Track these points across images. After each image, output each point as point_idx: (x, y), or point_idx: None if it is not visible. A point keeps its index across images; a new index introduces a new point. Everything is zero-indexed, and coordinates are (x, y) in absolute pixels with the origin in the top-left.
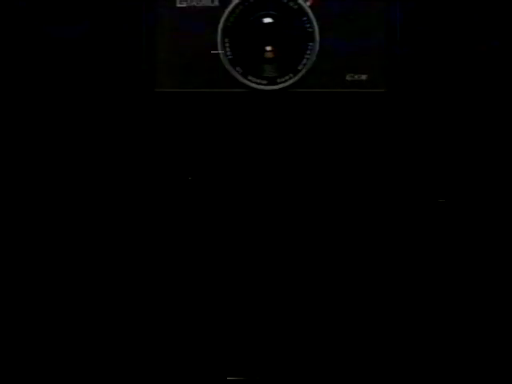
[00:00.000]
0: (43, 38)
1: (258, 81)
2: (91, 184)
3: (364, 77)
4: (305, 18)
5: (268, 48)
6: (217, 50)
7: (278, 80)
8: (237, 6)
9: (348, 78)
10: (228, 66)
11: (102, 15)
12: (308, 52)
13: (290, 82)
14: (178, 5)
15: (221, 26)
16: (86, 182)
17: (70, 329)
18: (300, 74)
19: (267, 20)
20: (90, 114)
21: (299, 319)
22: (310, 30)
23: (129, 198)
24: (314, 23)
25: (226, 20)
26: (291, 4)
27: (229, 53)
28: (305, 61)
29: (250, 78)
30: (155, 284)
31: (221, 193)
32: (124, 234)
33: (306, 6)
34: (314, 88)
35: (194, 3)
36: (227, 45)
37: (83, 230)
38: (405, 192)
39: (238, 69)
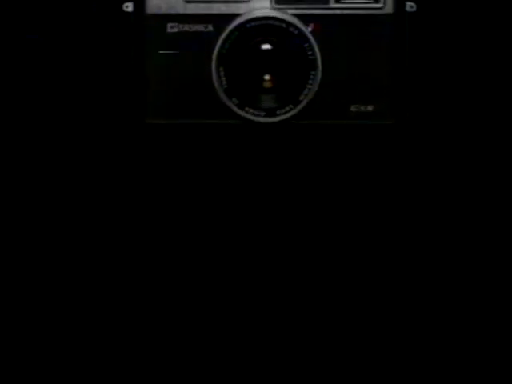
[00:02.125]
0: (35, 69)
1: (256, 112)
2: (81, 216)
3: (370, 108)
4: (306, 45)
5: (266, 77)
6: (211, 79)
7: (278, 111)
8: (232, 31)
9: (353, 108)
10: (223, 97)
11: (89, 41)
12: (310, 81)
13: (291, 113)
14: (169, 30)
15: (215, 53)
16: (77, 213)
17: (61, 327)
18: (301, 105)
19: (265, 46)
20: (74, 149)
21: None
22: (311, 57)
23: (118, 232)
24: (316, 50)
25: (221, 47)
26: (291, 29)
27: (224, 82)
28: (306, 91)
29: (246, 109)
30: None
31: (215, 231)
32: (113, 266)
33: (308, 31)
34: (317, 120)
35: (186, 28)
36: (222, 73)
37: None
38: (411, 231)
39: (233, 99)
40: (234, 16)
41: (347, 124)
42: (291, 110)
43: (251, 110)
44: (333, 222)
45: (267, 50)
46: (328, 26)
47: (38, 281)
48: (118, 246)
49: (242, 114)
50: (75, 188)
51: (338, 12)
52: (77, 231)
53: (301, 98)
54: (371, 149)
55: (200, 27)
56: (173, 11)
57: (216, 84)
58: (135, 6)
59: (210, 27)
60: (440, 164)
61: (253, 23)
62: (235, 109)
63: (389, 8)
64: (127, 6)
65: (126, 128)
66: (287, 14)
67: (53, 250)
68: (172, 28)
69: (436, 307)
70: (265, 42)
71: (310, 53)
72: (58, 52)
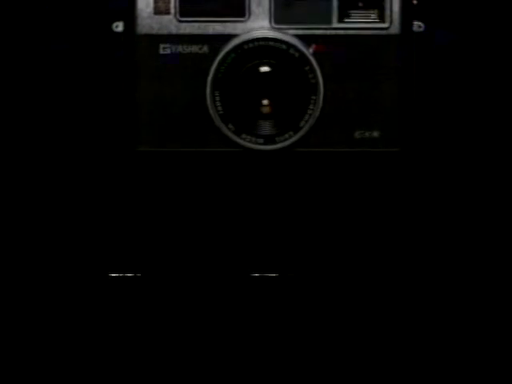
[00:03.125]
0: (21, 94)
1: (253, 139)
2: (70, 245)
3: (376, 134)
4: (307, 67)
5: (265, 102)
6: (206, 103)
7: (277, 139)
8: (229, 53)
9: (357, 135)
10: (219, 123)
11: (76, 63)
12: (311, 106)
13: (290, 140)
14: (162, 51)
15: (210, 76)
16: (66, 242)
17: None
18: (302, 132)
19: (264, 69)
20: (58, 180)
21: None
22: (313, 80)
23: (108, 261)
24: (318, 73)
25: (217, 69)
26: (291, 51)
27: (219, 107)
28: (307, 116)
29: (243, 136)
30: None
31: (210, 263)
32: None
33: (309, 53)
34: (318, 147)
35: (180, 49)
36: (218, 98)
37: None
38: (418, 262)
39: (230, 126)
40: (231, 36)
41: (351, 151)
42: (291, 137)
43: (248, 137)
44: (337, 253)
45: (266, 73)
46: (330, 48)
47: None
48: (107, 274)
49: (239, 141)
50: (65, 217)
51: (341, 32)
52: (65, 259)
53: (301, 125)
54: (376, 177)
55: (194, 48)
56: (165, 31)
57: (211, 109)
58: (125, 26)
59: (205, 48)
60: (448, 194)
61: (251, 44)
62: (231, 136)
63: (395, 28)
64: (117, 26)
65: (116, 156)
66: (287, 35)
67: (40, 282)
68: (164, 49)
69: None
70: (263, 65)
71: (311, 76)
72: (43, 76)
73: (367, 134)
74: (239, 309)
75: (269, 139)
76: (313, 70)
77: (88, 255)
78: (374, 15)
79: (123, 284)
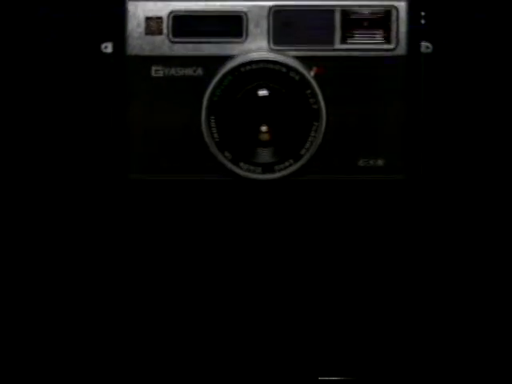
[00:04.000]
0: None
1: (251, 168)
2: (61, 276)
3: (380, 162)
4: (308, 91)
5: (263, 128)
6: (201, 129)
7: (276, 167)
8: (225, 75)
9: (361, 163)
10: (214, 150)
11: (63, 86)
12: (312, 133)
13: (291, 169)
14: (153, 74)
15: (205, 100)
16: (57, 274)
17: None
18: (303, 160)
19: (262, 93)
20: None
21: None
22: (314, 105)
23: (99, 296)
24: (320, 97)
25: (212, 93)
26: (292, 74)
27: (215, 134)
28: (308, 144)
29: (241, 164)
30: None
31: (204, 294)
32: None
33: (310, 76)
34: (320, 176)
35: (173, 72)
36: (213, 124)
37: None
38: (424, 295)
39: (226, 153)
40: (227, 58)
41: (354, 180)
42: (291, 165)
43: (246, 166)
44: (340, 286)
45: (264, 98)
46: (333, 70)
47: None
48: (99, 306)
49: (236, 169)
50: (54, 249)
51: (344, 54)
52: (56, 290)
53: (302, 152)
54: (381, 207)
55: (188, 71)
56: (157, 52)
57: (206, 136)
58: (115, 47)
59: (200, 71)
60: (455, 224)
61: (248, 67)
62: (228, 164)
63: (402, 49)
64: (106, 47)
65: (106, 185)
66: (287, 57)
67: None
68: (157, 72)
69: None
70: (262, 88)
71: (312, 101)
72: (29, 100)
73: (371, 162)
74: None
75: (268, 168)
76: (314, 95)
77: (78, 288)
78: (379, 35)
79: None
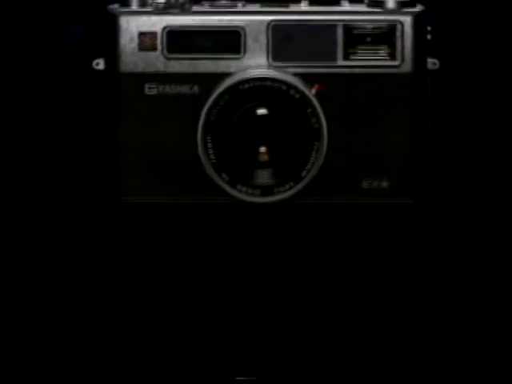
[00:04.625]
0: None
1: (250, 191)
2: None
3: (385, 183)
4: (309, 110)
5: (262, 149)
6: (196, 150)
7: (275, 190)
8: (222, 94)
9: (365, 185)
10: (211, 172)
11: (53, 103)
12: (313, 154)
13: (291, 192)
14: (147, 92)
15: (202, 119)
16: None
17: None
18: (303, 182)
19: (261, 112)
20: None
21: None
22: (315, 125)
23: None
24: (321, 116)
25: (208, 112)
26: (292, 92)
27: (212, 155)
28: (309, 165)
29: (238, 187)
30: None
31: (199, 323)
32: None
33: (311, 94)
34: (322, 198)
35: (168, 90)
36: (210, 144)
37: None
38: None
39: (223, 175)
40: (224, 75)
41: (358, 203)
42: (291, 187)
43: (244, 188)
44: (342, 313)
45: (263, 117)
46: (335, 88)
47: None
48: (87, 331)
49: (234, 192)
50: (43, 272)
51: (346, 71)
52: (46, 312)
53: (303, 174)
54: (386, 232)
55: (184, 89)
56: (151, 69)
57: (202, 157)
58: (107, 64)
59: (196, 89)
60: (464, 253)
61: (246, 85)
62: (225, 187)
63: (407, 66)
64: (97, 64)
65: (97, 208)
66: (287, 74)
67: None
68: (150, 89)
69: None
70: (261, 107)
71: (313, 120)
72: (18, 120)
73: (376, 184)
74: None
75: (267, 190)
76: (315, 113)
77: (67, 314)
78: (383, 52)
79: None
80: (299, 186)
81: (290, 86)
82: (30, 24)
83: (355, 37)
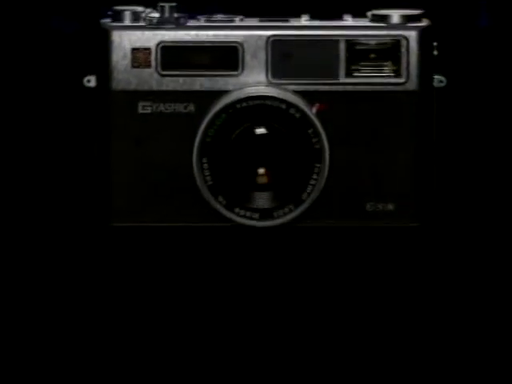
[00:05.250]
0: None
1: (248, 214)
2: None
3: (390, 206)
4: (310, 130)
5: (261, 170)
6: (192, 172)
7: (275, 213)
8: (219, 113)
9: (369, 207)
10: (207, 195)
11: (43, 121)
12: (315, 175)
13: (291, 215)
14: (141, 110)
15: (197, 139)
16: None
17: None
18: (304, 205)
19: (260, 131)
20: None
21: None
22: (317, 145)
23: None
24: (323, 137)
25: (205, 132)
26: (292, 111)
27: (208, 177)
28: (310, 188)
29: (236, 210)
30: None
31: (194, 352)
32: None
33: (312, 113)
34: (324, 222)
35: (162, 108)
36: (206, 166)
37: None
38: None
39: (220, 198)
40: (221, 93)
41: (362, 226)
42: (291, 211)
43: (242, 212)
44: (344, 341)
45: (262, 137)
46: (337, 107)
47: None
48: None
49: (231, 216)
50: (33, 297)
51: (349, 88)
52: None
53: (304, 197)
54: (391, 257)
55: (179, 107)
56: (145, 87)
57: (198, 179)
58: (98, 81)
59: (192, 107)
60: (473, 279)
61: (244, 103)
62: (222, 210)
63: (413, 83)
64: (89, 81)
65: (88, 232)
66: (287, 92)
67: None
68: (144, 108)
69: None
70: (259, 127)
71: (315, 140)
72: (6, 140)
73: (380, 207)
74: None
75: (266, 214)
76: (317, 134)
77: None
78: (387, 68)
79: None
80: (300, 210)
81: (290, 104)
82: (18, 35)
83: (358, 53)
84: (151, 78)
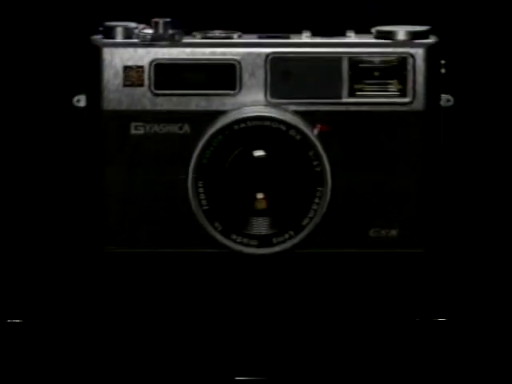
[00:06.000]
0: None
1: (245, 241)
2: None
3: (394, 232)
4: (311, 153)
5: (259, 195)
6: (187, 196)
7: (274, 240)
8: (215, 134)
9: (372, 233)
10: (203, 220)
11: (31, 142)
12: (316, 200)
13: (291, 242)
14: (133, 131)
15: (193, 162)
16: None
17: None
18: (305, 232)
19: (258, 154)
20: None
21: None
22: (318, 168)
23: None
24: (325, 160)
25: (200, 154)
26: (292, 133)
27: (204, 201)
28: (312, 213)
29: (233, 236)
30: None
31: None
32: None
33: (313, 135)
34: (325, 248)
35: (156, 129)
36: (201, 190)
37: None
38: None
39: (216, 224)
40: (218, 114)
41: (364, 253)
42: (292, 237)
43: (239, 238)
44: (347, 370)
45: (260, 160)
46: (339, 128)
47: None
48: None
49: (227, 242)
50: (28, 325)
51: (352, 108)
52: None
53: (304, 223)
54: (395, 284)
55: (173, 128)
56: (138, 107)
57: (193, 203)
58: (88, 100)
59: (187, 128)
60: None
61: (242, 124)
62: (218, 236)
63: (419, 103)
64: (78, 100)
65: (80, 258)
66: (287, 112)
67: None
68: (137, 128)
69: None
70: (257, 149)
71: (316, 163)
72: None
73: (384, 233)
74: None
75: (264, 240)
76: (318, 156)
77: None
78: (392, 87)
79: None
80: (300, 236)
81: (289, 125)
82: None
83: (362, 71)
84: (144, 98)
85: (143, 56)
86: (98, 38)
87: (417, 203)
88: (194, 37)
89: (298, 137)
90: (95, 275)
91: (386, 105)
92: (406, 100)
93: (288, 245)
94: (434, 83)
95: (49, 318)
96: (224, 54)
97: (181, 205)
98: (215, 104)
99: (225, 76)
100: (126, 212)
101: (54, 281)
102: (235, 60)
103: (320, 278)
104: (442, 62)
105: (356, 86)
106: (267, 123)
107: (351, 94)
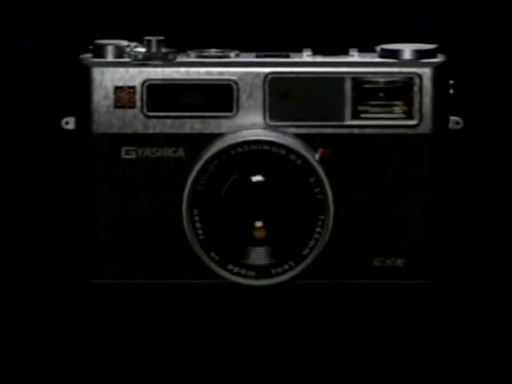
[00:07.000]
0: None
1: (243, 272)
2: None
3: (400, 262)
4: (313, 179)
5: (258, 223)
6: (182, 225)
7: (273, 271)
8: (211, 159)
9: (376, 263)
10: (198, 250)
11: (18, 169)
12: (318, 229)
13: (291, 273)
14: (124, 156)
15: (188, 188)
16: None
17: None
18: (306, 262)
19: (257, 179)
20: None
21: None
22: (320, 195)
23: None
24: (327, 186)
25: (196, 180)
26: (292, 157)
27: (199, 230)
28: (313, 242)
29: (230, 267)
30: None
31: None
32: None
33: (315, 159)
34: (327, 279)
35: (148, 153)
36: (197, 218)
37: None
38: None
39: (212, 254)
40: (214, 137)
41: (368, 284)
42: (292, 268)
43: (236, 269)
44: None
45: (259, 186)
46: (342, 152)
47: None
48: None
49: (224, 273)
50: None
51: (356, 131)
52: None
53: (305, 252)
54: (401, 317)
55: (167, 152)
56: (129, 130)
57: (188, 232)
58: (78, 123)
59: (181, 152)
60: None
61: (240, 149)
62: (214, 267)
63: (426, 126)
64: (67, 123)
65: (66, 290)
66: (287, 135)
67: None
68: (128, 153)
69: None
70: (256, 175)
71: (317, 190)
72: None
73: (389, 262)
74: None
75: (263, 271)
76: (320, 182)
77: None
78: (398, 109)
79: None
80: (301, 267)
81: (290, 150)
82: None
83: (366, 92)
84: (136, 120)
85: (135, 76)
86: (87, 56)
87: (424, 230)
88: (189, 56)
89: (299, 162)
90: (81, 309)
91: (391, 127)
92: (413, 122)
93: (288, 276)
94: (441, 105)
95: (32, 353)
96: (220, 73)
97: (175, 233)
98: (211, 126)
99: (221, 97)
100: (115, 240)
101: (37, 315)
102: (232, 80)
103: (322, 310)
104: (451, 82)
105: (360, 108)
106: (266, 147)
107: (355, 116)
